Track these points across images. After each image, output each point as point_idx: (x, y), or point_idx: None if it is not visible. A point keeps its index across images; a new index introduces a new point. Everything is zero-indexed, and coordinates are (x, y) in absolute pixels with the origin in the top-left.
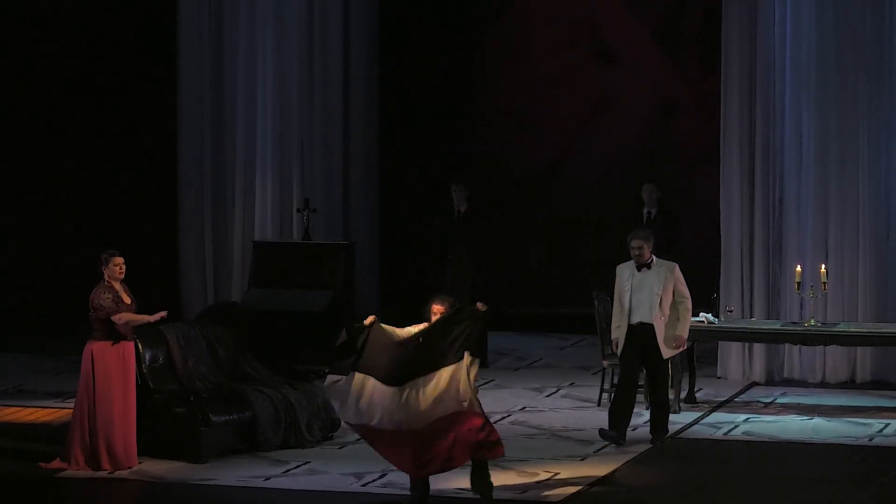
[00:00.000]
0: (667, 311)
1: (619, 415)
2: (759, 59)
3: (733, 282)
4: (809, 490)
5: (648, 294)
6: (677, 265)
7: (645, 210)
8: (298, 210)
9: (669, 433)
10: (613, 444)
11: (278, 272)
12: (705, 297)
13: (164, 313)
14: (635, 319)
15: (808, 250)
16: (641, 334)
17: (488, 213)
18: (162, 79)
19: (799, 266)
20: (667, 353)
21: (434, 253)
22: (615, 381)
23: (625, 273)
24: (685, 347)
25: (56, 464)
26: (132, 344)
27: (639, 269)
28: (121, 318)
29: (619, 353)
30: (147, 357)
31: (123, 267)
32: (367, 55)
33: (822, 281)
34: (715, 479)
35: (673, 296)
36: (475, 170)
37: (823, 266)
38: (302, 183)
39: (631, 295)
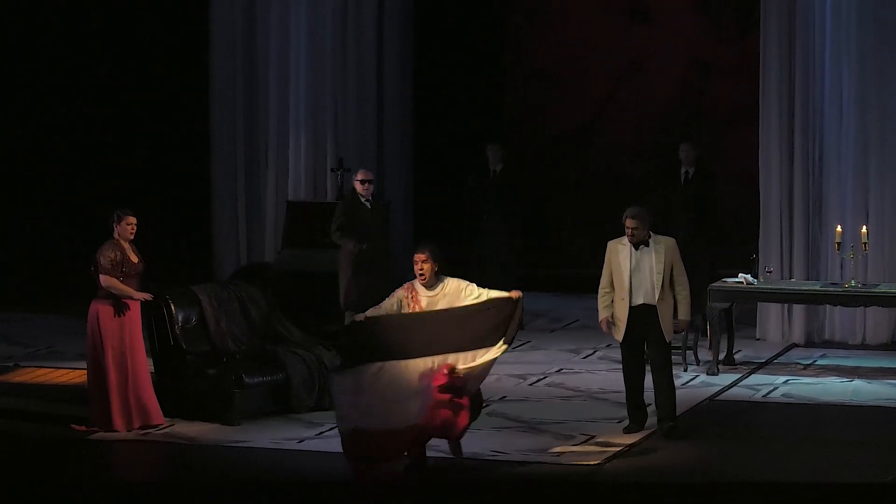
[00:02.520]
0: (669, 292)
1: (638, 409)
2: (799, 17)
3: (772, 242)
4: (849, 452)
5: (649, 274)
6: (674, 241)
7: (682, 169)
8: (332, 170)
9: (710, 395)
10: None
11: (312, 232)
12: (744, 257)
13: (149, 295)
14: (637, 301)
15: (848, 210)
16: (644, 316)
17: (524, 172)
18: (193, 38)
19: (839, 226)
20: (669, 334)
21: (468, 212)
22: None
23: (621, 251)
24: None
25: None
26: (137, 304)
27: (636, 248)
28: (106, 280)
29: (615, 335)
30: (179, 318)
31: (135, 227)
32: (401, 14)
33: (863, 241)
34: (753, 442)
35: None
36: (509, 130)
37: (864, 226)
38: (336, 142)
39: (630, 275)
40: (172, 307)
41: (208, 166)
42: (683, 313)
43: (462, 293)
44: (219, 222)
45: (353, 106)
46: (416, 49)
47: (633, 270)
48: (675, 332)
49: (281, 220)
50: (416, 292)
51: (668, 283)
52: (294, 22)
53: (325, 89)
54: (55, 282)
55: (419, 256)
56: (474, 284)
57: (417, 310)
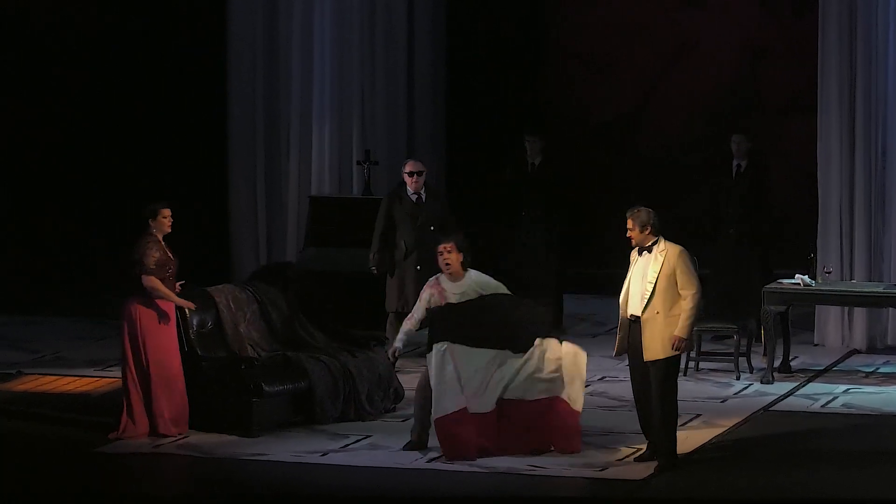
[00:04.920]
0: (667, 306)
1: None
2: None
3: (832, 241)
4: None
5: (641, 283)
6: (682, 249)
7: (734, 162)
8: (358, 162)
9: (765, 405)
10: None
11: (336, 229)
12: (801, 257)
13: (192, 304)
14: (628, 312)
15: None
16: (634, 329)
17: (564, 165)
18: (212, 22)
19: None
20: (652, 354)
21: (505, 209)
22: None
23: (632, 257)
24: (683, 350)
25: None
26: (173, 306)
27: (640, 253)
28: (149, 281)
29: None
30: (195, 322)
31: (171, 219)
32: None
33: None
34: (811, 454)
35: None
36: (549, 120)
37: None
38: (362, 133)
39: (629, 283)
40: (186, 310)
41: (226, 159)
42: (679, 329)
43: (488, 289)
44: (237, 219)
45: (381, 94)
46: (450, 33)
47: (633, 278)
48: (672, 349)
49: (303, 216)
50: (443, 289)
51: (668, 295)
52: (318, 3)
53: (351, 76)
54: (62, 283)
55: (444, 246)
56: (501, 284)
57: None
